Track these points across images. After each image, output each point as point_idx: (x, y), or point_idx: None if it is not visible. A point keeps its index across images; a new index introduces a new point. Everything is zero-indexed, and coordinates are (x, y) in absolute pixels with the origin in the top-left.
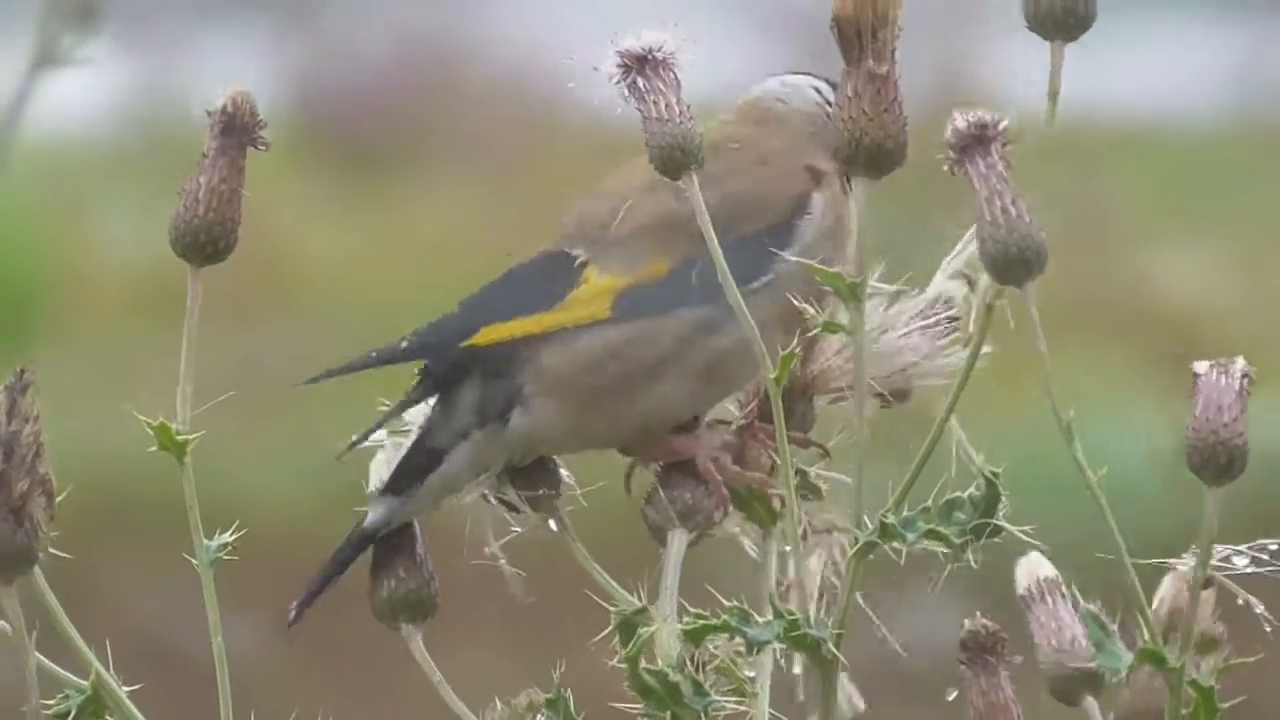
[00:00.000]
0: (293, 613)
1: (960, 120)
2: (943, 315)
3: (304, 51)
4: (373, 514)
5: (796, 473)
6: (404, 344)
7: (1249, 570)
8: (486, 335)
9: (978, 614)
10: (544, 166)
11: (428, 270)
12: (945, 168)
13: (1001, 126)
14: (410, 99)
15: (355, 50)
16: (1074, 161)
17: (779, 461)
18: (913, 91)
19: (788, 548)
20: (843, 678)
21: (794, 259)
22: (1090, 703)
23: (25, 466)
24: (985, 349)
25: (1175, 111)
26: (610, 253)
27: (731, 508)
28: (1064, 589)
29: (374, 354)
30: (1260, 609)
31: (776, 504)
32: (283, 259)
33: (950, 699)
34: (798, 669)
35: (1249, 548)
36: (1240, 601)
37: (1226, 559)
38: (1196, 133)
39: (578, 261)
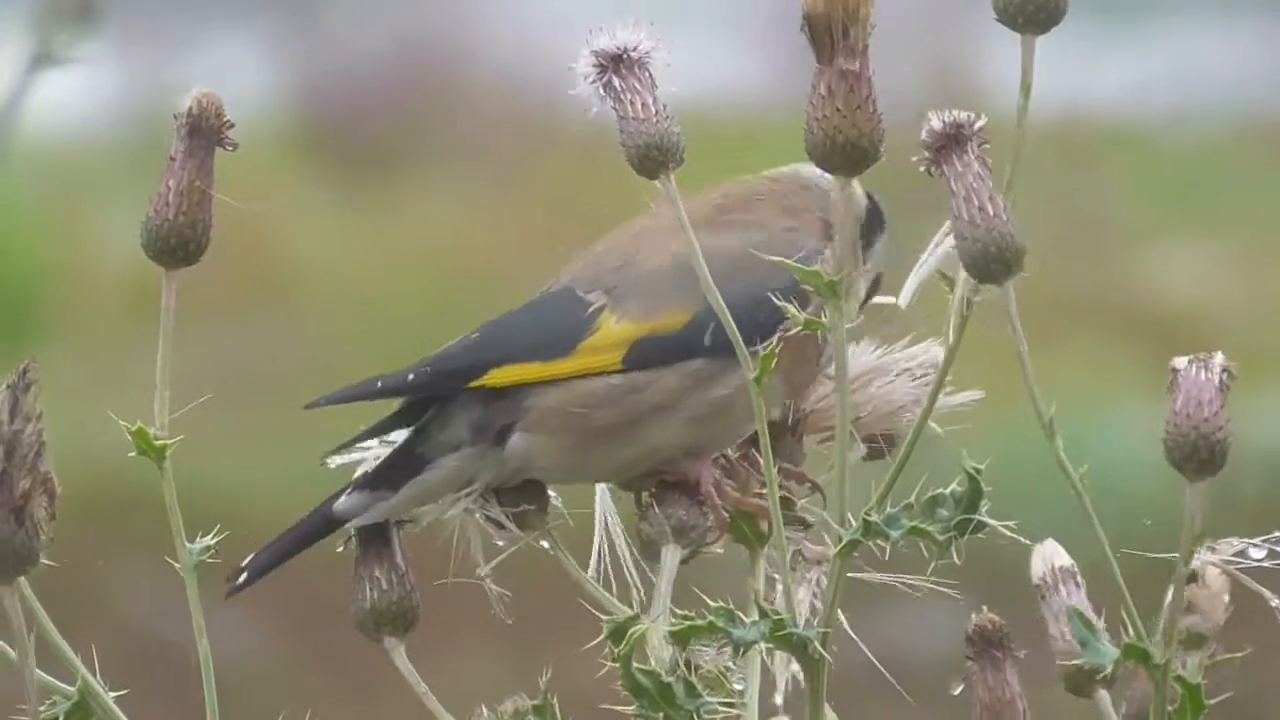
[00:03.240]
0: (242, 577)
1: (935, 120)
2: (929, 367)
3: (304, 51)
4: (345, 501)
5: (783, 502)
6: (410, 377)
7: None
8: (495, 378)
9: (984, 608)
10: (544, 166)
11: (428, 270)
12: (921, 168)
13: (977, 126)
14: (410, 99)
15: (355, 51)
16: (1076, 162)
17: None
18: (907, 92)
19: (776, 575)
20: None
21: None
22: (1103, 695)
23: (27, 466)
24: (975, 395)
25: (1175, 111)
26: (628, 297)
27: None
28: (1078, 578)
29: (379, 384)
30: (1275, 602)
31: (764, 527)
32: (282, 258)
33: (952, 695)
34: (779, 699)
35: (1265, 540)
36: (1229, 603)
37: (1242, 552)
38: (1196, 133)
39: (592, 307)
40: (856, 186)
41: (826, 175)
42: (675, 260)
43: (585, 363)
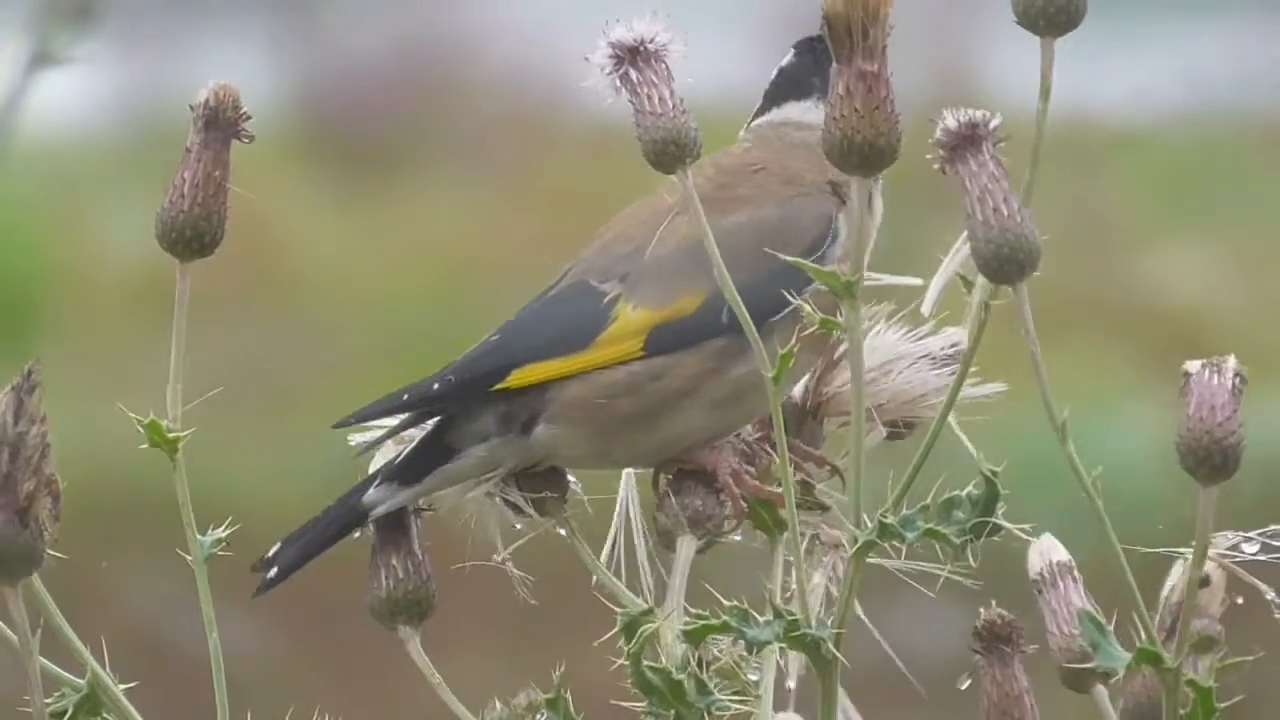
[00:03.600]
0: (273, 573)
1: (951, 119)
2: (952, 352)
3: (304, 51)
4: (374, 493)
5: (802, 485)
6: (435, 386)
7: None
8: (518, 378)
9: (993, 603)
10: (544, 166)
11: (428, 268)
12: (936, 167)
13: (993, 125)
14: (410, 99)
15: (355, 50)
16: (1074, 161)
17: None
18: (913, 92)
19: (791, 557)
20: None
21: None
22: (1100, 690)
23: (32, 467)
24: (999, 387)
25: (1175, 111)
26: (642, 284)
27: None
28: (1076, 573)
29: (405, 396)
30: (1271, 595)
31: (784, 514)
32: (282, 258)
33: (957, 697)
34: (791, 683)
35: (1259, 534)
36: (1237, 600)
37: (1235, 546)
38: (1196, 133)
39: (607, 297)
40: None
41: (808, 113)
42: (686, 243)
43: (605, 354)
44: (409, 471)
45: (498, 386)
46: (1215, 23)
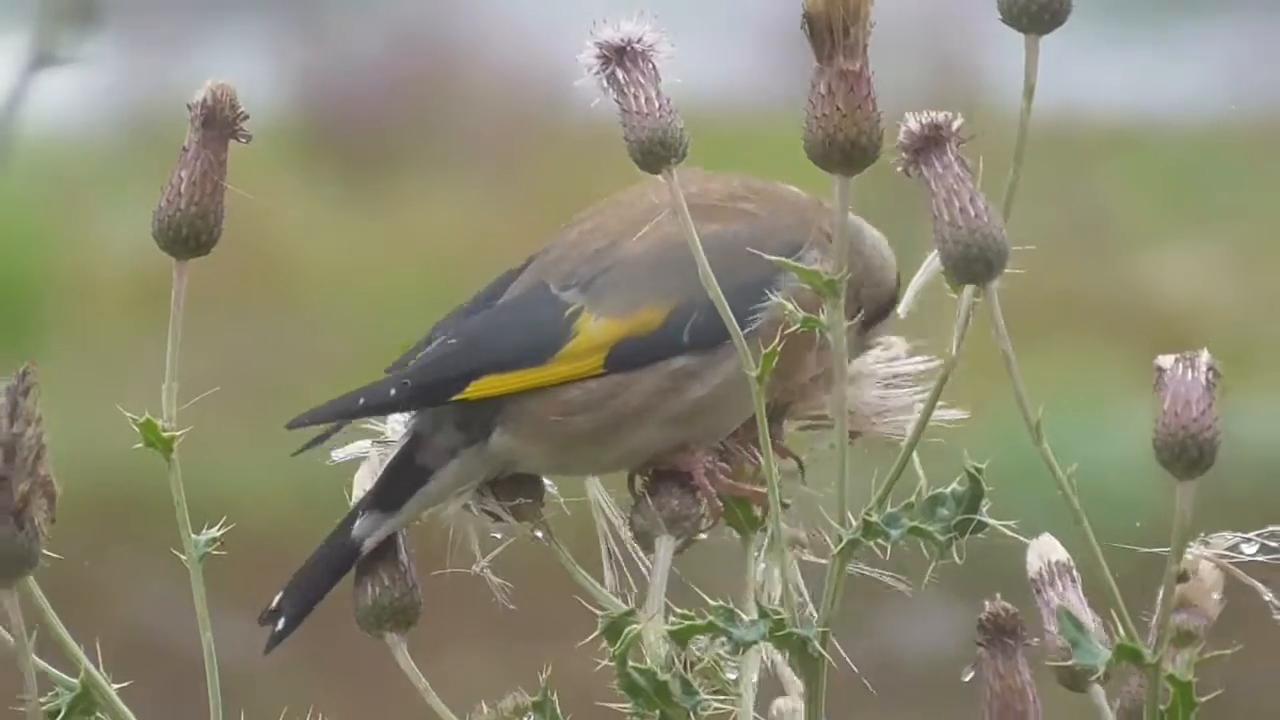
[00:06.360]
0: (280, 624)
1: (913, 121)
2: (925, 370)
3: (305, 51)
4: (360, 525)
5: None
6: (392, 392)
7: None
8: (478, 389)
9: (997, 595)
10: (544, 166)
11: (427, 270)
12: (900, 170)
13: (955, 126)
14: (410, 99)
15: (355, 50)
16: (1072, 161)
17: (762, 468)
18: (908, 92)
19: (762, 553)
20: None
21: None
22: (1097, 690)
23: (27, 469)
24: (960, 414)
25: (1174, 111)
26: (607, 292)
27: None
28: (1074, 573)
29: (360, 400)
30: (1269, 596)
31: (758, 511)
32: (282, 258)
33: (944, 695)
34: (753, 677)
35: (1258, 534)
36: (1222, 598)
37: (1234, 547)
38: (1196, 132)
39: (569, 309)
40: (888, 255)
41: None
42: (657, 248)
43: (565, 370)
44: (388, 498)
45: (455, 398)
46: (1214, 22)
